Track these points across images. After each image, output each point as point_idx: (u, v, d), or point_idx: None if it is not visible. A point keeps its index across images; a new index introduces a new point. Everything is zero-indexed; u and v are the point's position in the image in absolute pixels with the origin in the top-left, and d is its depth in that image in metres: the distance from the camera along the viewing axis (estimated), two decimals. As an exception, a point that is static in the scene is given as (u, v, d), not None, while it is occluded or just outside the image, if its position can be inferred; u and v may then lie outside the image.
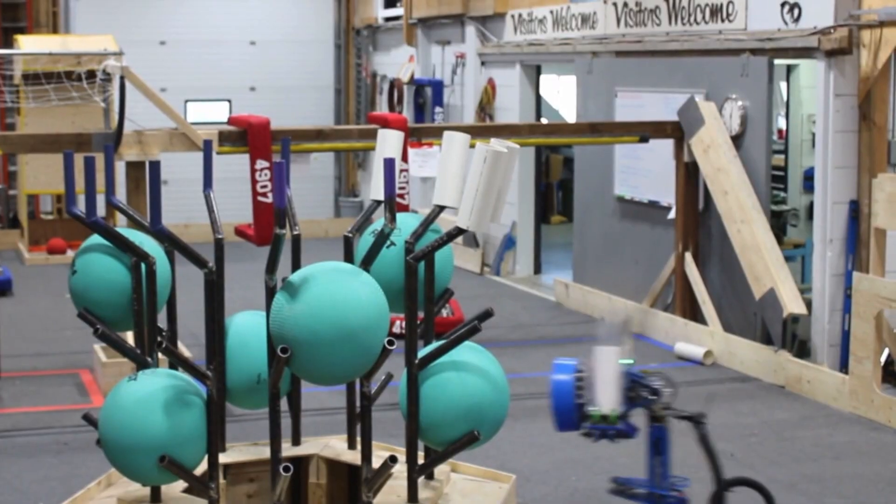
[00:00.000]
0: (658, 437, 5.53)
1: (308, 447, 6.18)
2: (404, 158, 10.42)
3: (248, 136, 10.21)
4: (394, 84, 18.19)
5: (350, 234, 6.02)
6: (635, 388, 5.43)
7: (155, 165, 5.43)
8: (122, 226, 6.95)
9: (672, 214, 11.96)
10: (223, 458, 5.85)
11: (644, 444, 5.57)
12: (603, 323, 5.59)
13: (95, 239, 5.70)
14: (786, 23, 10.68)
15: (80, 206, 5.61)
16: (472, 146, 5.71)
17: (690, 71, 11.87)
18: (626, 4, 12.89)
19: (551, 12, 14.45)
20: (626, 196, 13.01)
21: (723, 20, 11.44)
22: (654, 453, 5.56)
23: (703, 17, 11.71)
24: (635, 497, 5.65)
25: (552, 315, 13.28)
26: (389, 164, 5.53)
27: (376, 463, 5.49)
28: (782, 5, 10.68)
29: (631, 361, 5.44)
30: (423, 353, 5.57)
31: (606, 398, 5.35)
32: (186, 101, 18.44)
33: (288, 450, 6.02)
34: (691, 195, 11.72)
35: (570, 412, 5.42)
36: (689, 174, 11.67)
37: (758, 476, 7.93)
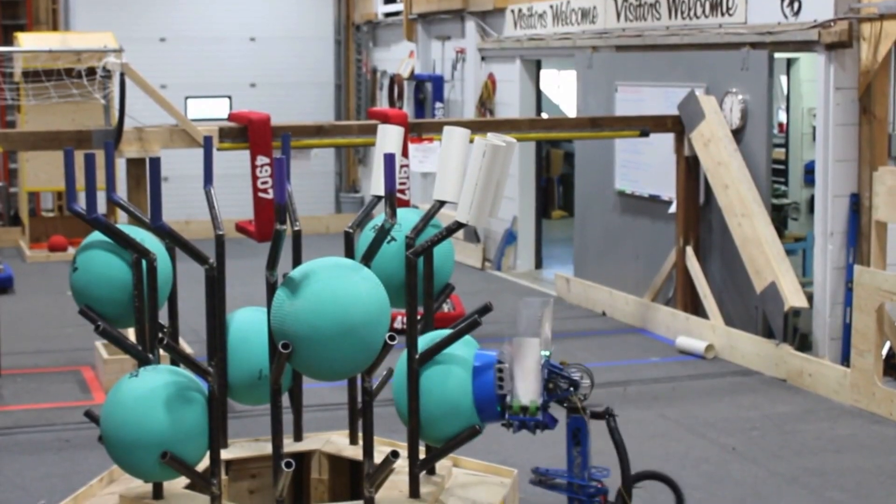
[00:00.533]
0: (577, 427, 5.58)
1: (310, 443, 6.19)
2: (405, 154, 10.42)
3: (248, 132, 10.21)
4: (394, 80, 18.19)
5: (351, 230, 6.02)
6: (554, 380, 5.51)
7: (155, 162, 5.43)
8: (122, 222, 6.95)
9: (673, 208, 11.96)
10: (225, 455, 5.86)
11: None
12: (521, 313, 5.62)
13: (96, 236, 5.71)
14: (786, 16, 10.67)
15: (81, 203, 5.61)
16: (472, 141, 5.71)
17: (691, 65, 11.86)
18: (625, -1, 12.89)
19: (551, 7, 14.44)
20: (627, 190, 13.01)
21: (723, 14, 11.44)
22: (574, 444, 5.61)
23: (703, 11, 11.70)
24: (556, 487, 5.70)
25: (553, 309, 13.27)
26: (390, 159, 5.52)
27: (378, 458, 5.49)
28: (782, -1, 10.68)
29: (548, 353, 5.50)
30: (421, 346, 5.56)
31: (526, 389, 5.40)
32: (187, 98, 18.44)
33: (290, 445, 6.02)
34: (692, 189, 11.72)
35: (492, 403, 5.47)
36: (689, 168, 11.66)
37: (760, 470, 7.94)
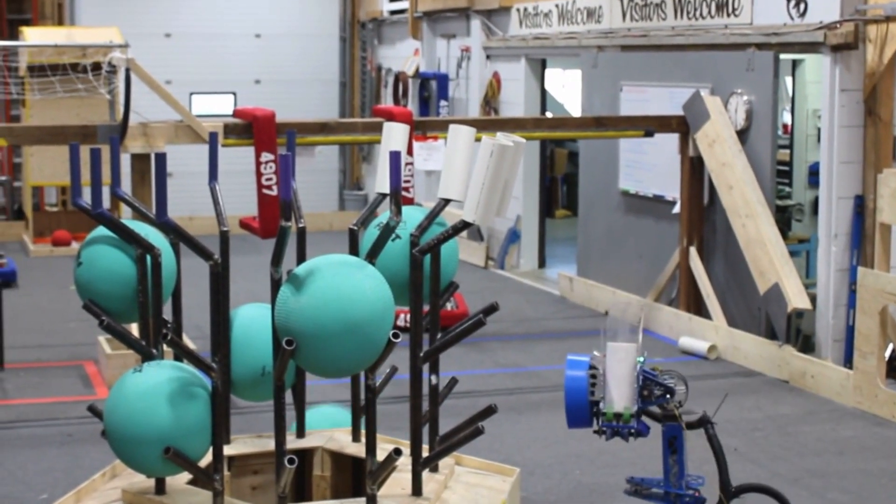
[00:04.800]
0: (673, 435, 5.47)
1: (312, 439, 6.19)
2: (409, 152, 10.42)
3: (253, 128, 10.21)
4: (399, 77, 18.19)
5: (355, 227, 6.02)
6: (648, 387, 5.36)
7: (160, 157, 5.43)
8: (127, 218, 6.95)
9: (677, 209, 11.96)
10: (228, 450, 5.86)
11: (659, 443, 5.55)
12: (611, 318, 5.55)
13: (101, 231, 5.70)
14: (792, 17, 10.66)
15: (86, 198, 5.61)
16: (478, 140, 5.71)
17: (696, 65, 11.86)
18: (631, -2, 12.89)
19: (557, 6, 14.44)
20: (631, 190, 13.01)
21: (728, 15, 11.43)
22: (670, 452, 5.50)
23: (709, 12, 11.70)
24: (651, 497, 5.58)
25: (556, 309, 13.29)
26: (395, 157, 5.52)
27: (381, 456, 5.49)
28: (788, 0, 10.67)
29: (641, 359, 5.40)
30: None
31: (620, 396, 5.29)
32: (191, 94, 18.45)
33: (292, 442, 6.02)
34: (696, 190, 11.72)
35: (583, 409, 5.35)
36: (694, 169, 11.66)
37: (761, 471, 7.94)
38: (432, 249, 5.59)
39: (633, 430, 5.33)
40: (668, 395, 5.38)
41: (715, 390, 10.01)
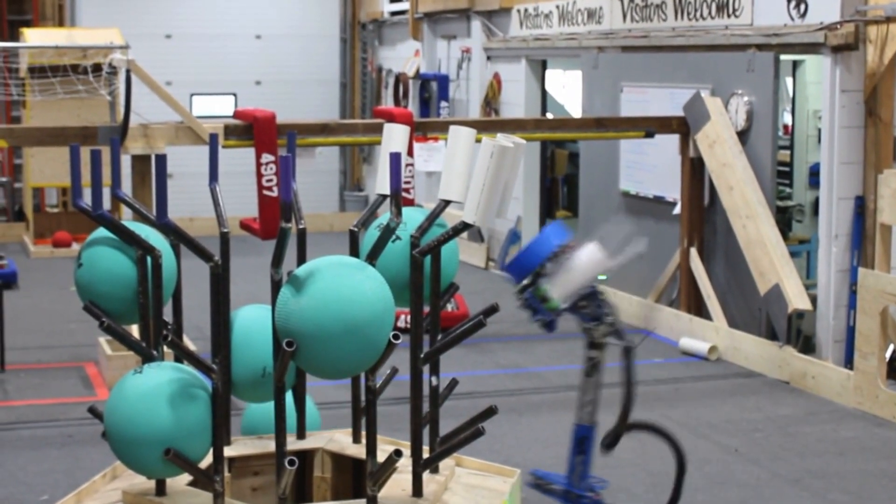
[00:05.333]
0: (583, 435, 5.49)
1: (313, 441, 6.19)
2: (410, 153, 10.42)
3: (253, 129, 10.22)
4: (399, 78, 18.19)
5: (356, 229, 6.02)
6: (590, 302, 5.43)
7: (161, 159, 5.43)
8: (127, 219, 6.96)
9: (677, 210, 11.96)
10: (228, 452, 5.86)
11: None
12: (609, 230, 5.59)
13: (101, 232, 5.70)
14: (792, 18, 10.66)
15: (86, 200, 5.61)
16: (478, 141, 5.71)
17: (696, 66, 11.86)
18: (632, -1, 12.90)
19: (557, 7, 14.44)
20: (632, 191, 13.01)
21: (729, 15, 11.43)
22: (577, 452, 5.52)
23: (710, 13, 11.70)
24: (551, 493, 5.62)
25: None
26: (395, 158, 5.52)
27: (381, 457, 5.49)
28: (789, 1, 10.67)
29: (605, 277, 5.46)
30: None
31: (562, 288, 5.36)
32: (192, 95, 18.46)
33: (293, 443, 6.02)
34: (697, 190, 11.72)
35: (528, 269, 5.41)
36: (694, 169, 11.66)
37: (762, 472, 7.94)
38: (433, 250, 5.59)
39: (544, 319, 5.41)
40: (595, 321, 5.44)
41: (716, 391, 10.02)
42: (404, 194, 8.71)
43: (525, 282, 5.46)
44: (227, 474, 5.78)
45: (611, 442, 5.60)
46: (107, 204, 6.46)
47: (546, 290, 5.38)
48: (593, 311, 5.46)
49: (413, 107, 17.41)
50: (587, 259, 5.39)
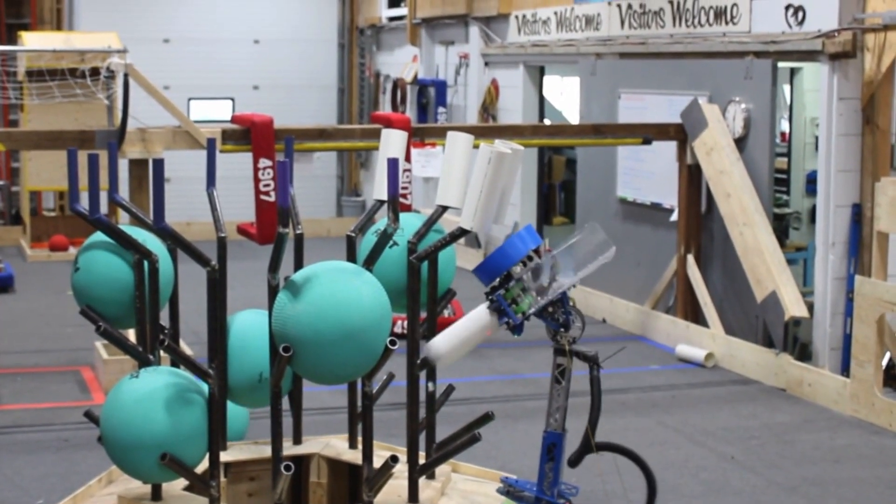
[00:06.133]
0: (552, 442, 5.47)
1: (309, 446, 6.18)
2: (407, 158, 10.42)
3: (251, 134, 10.22)
4: (397, 84, 18.19)
5: (353, 234, 6.02)
6: (556, 308, 5.42)
7: (158, 163, 5.43)
8: (124, 223, 6.95)
9: (674, 217, 11.96)
10: (224, 457, 5.85)
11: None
12: (585, 233, 5.59)
13: (98, 236, 5.70)
14: (790, 26, 10.67)
15: (83, 203, 5.61)
16: (476, 147, 5.71)
17: (694, 73, 11.87)
18: (630, 6, 12.89)
19: (555, 13, 14.45)
20: (629, 198, 13.01)
21: (727, 22, 11.44)
22: (547, 459, 5.49)
23: (707, 20, 11.71)
24: (523, 500, 5.60)
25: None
26: (393, 163, 5.52)
27: (377, 462, 5.49)
28: (786, 8, 10.68)
29: (574, 284, 5.42)
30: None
31: (532, 294, 5.34)
32: (190, 100, 18.44)
33: (289, 449, 6.02)
34: (694, 197, 11.72)
35: (498, 270, 5.44)
36: (691, 176, 11.67)
37: (759, 479, 7.94)
38: (430, 256, 5.59)
39: (512, 323, 5.40)
40: (563, 329, 5.43)
41: (713, 398, 10.01)
42: (402, 200, 8.70)
43: (494, 284, 5.47)
44: (223, 479, 5.77)
45: (575, 459, 5.61)
46: (104, 208, 6.46)
47: (515, 294, 5.37)
48: (561, 317, 5.45)
49: (411, 112, 17.41)
50: (557, 267, 5.41)
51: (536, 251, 5.45)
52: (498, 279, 5.47)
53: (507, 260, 5.43)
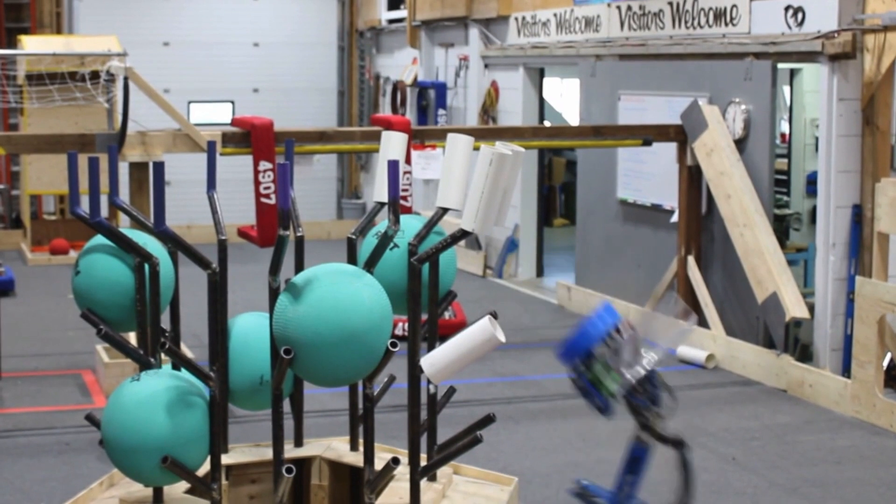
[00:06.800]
0: (637, 456, 5.33)
1: (310, 448, 6.18)
2: (407, 161, 10.42)
3: (251, 137, 10.22)
4: (397, 86, 18.20)
5: (353, 236, 6.02)
6: (645, 385, 5.22)
7: (158, 166, 5.43)
8: (125, 226, 6.96)
9: (675, 218, 11.96)
10: (225, 459, 5.85)
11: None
12: (661, 308, 5.46)
13: (99, 239, 5.71)
14: (789, 27, 10.68)
15: (84, 207, 5.61)
16: (476, 149, 5.71)
17: (694, 74, 11.87)
18: (629, 8, 12.90)
19: (555, 15, 14.45)
20: (629, 199, 13.01)
21: (726, 24, 11.45)
22: (629, 471, 5.36)
23: (707, 21, 11.71)
24: None
25: (554, 318, 13.28)
26: (393, 166, 5.53)
27: (379, 465, 5.49)
28: (786, 9, 10.68)
29: (657, 359, 5.28)
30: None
31: (617, 372, 5.21)
32: (190, 103, 18.45)
33: (290, 451, 6.02)
34: (694, 199, 11.72)
35: (580, 352, 5.22)
36: (691, 178, 11.67)
37: (759, 480, 7.94)
38: (430, 258, 5.59)
39: (600, 404, 5.21)
40: (652, 405, 5.24)
41: (714, 399, 10.01)
42: (402, 202, 8.71)
43: (578, 364, 5.27)
44: (224, 482, 5.77)
45: None
46: (104, 211, 6.46)
47: (599, 373, 5.20)
48: (650, 393, 5.24)
49: (411, 114, 17.42)
50: (640, 349, 5.21)
51: (617, 328, 5.30)
52: (580, 360, 5.26)
53: (588, 340, 5.23)
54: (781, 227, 12.86)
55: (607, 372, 5.22)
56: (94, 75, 13.75)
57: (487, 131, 11.54)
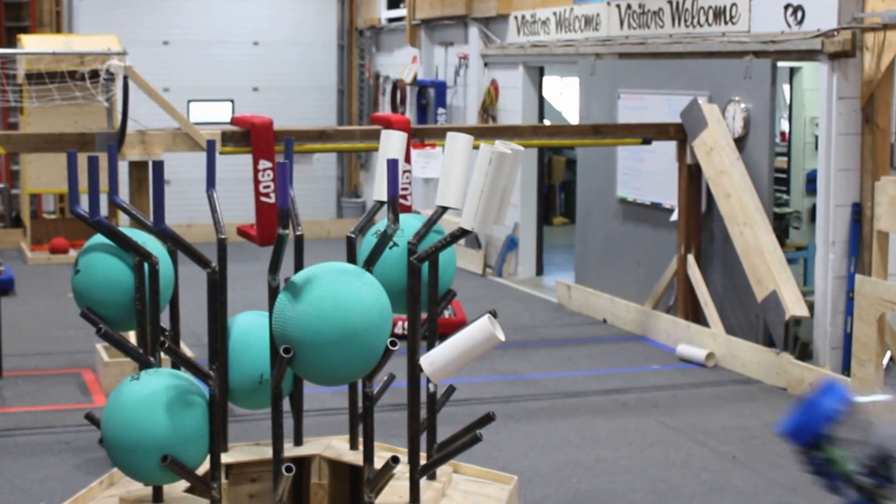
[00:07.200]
0: None
1: (310, 447, 6.19)
2: (407, 159, 10.42)
3: (251, 136, 10.22)
4: (396, 85, 18.20)
5: (353, 235, 6.02)
6: (886, 464, 4.90)
7: (158, 165, 5.43)
8: (124, 225, 6.96)
9: (674, 216, 11.96)
10: (225, 458, 5.86)
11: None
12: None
13: (98, 238, 5.71)
14: (789, 25, 10.67)
15: (83, 206, 5.61)
16: (476, 147, 5.71)
17: (693, 73, 11.87)
18: (629, 6, 12.90)
19: (554, 14, 14.45)
20: (629, 198, 13.01)
21: (726, 22, 11.44)
22: None
23: (707, 20, 11.71)
24: None
25: (554, 316, 13.28)
26: (393, 164, 5.53)
27: (378, 463, 5.49)
28: (786, 8, 10.68)
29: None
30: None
31: (854, 453, 4.83)
32: (189, 102, 18.45)
33: (290, 450, 6.02)
34: (694, 197, 11.72)
35: (808, 433, 4.95)
36: (691, 176, 11.67)
37: (760, 479, 7.94)
38: (430, 257, 5.59)
39: (832, 484, 4.94)
40: (888, 483, 4.88)
41: (714, 398, 10.01)
42: (402, 201, 8.72)
43: (809, 445, 4.99)
44: (224, 481, 5.77)
45: None
46: (104, 210, 6.46)
47: (834, 453, 4.90)
48: (886, 473, 4.88)
49: (410, 113, 17.41)
50: (879, 430, 5.02)
51: (849, 408, 5.07)
52: (812, 441, 4.95)
53: (818, 422, 4.91)
54: (781, 226, 12.86)
55: (843, 452, 5.02)
56: (94, 74, 13.75)
57: (487, 130, 11.53)
